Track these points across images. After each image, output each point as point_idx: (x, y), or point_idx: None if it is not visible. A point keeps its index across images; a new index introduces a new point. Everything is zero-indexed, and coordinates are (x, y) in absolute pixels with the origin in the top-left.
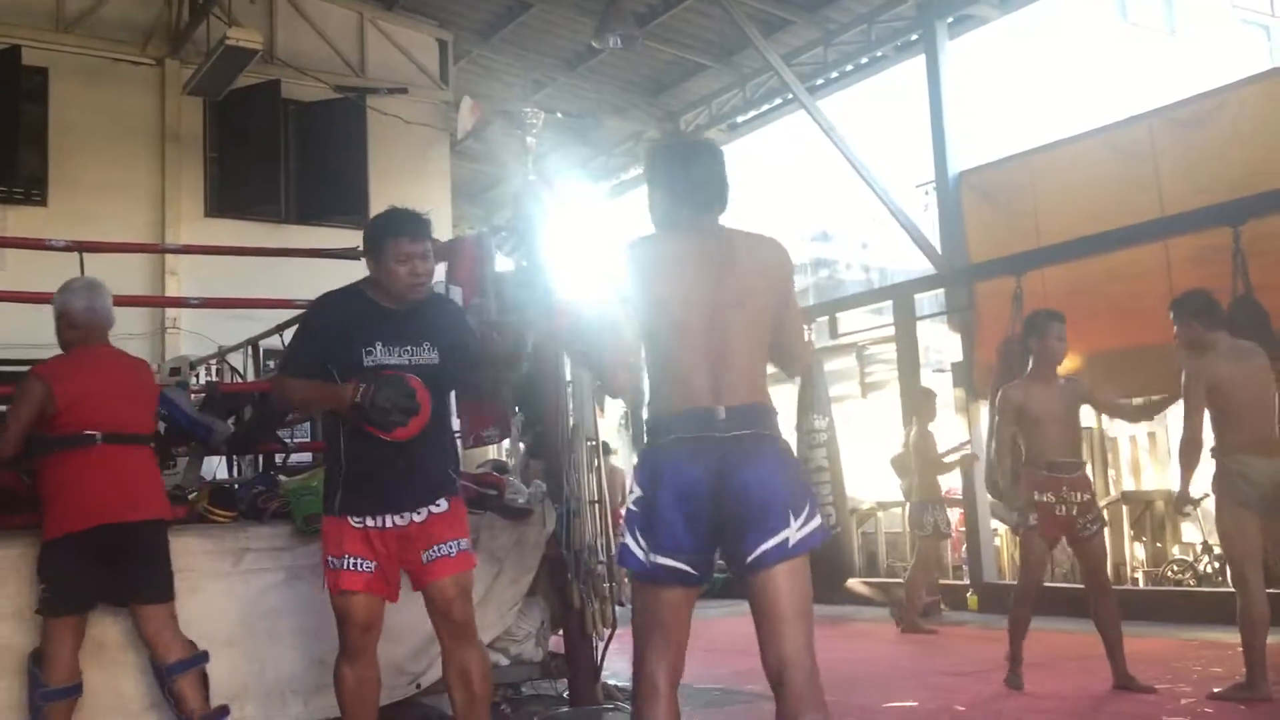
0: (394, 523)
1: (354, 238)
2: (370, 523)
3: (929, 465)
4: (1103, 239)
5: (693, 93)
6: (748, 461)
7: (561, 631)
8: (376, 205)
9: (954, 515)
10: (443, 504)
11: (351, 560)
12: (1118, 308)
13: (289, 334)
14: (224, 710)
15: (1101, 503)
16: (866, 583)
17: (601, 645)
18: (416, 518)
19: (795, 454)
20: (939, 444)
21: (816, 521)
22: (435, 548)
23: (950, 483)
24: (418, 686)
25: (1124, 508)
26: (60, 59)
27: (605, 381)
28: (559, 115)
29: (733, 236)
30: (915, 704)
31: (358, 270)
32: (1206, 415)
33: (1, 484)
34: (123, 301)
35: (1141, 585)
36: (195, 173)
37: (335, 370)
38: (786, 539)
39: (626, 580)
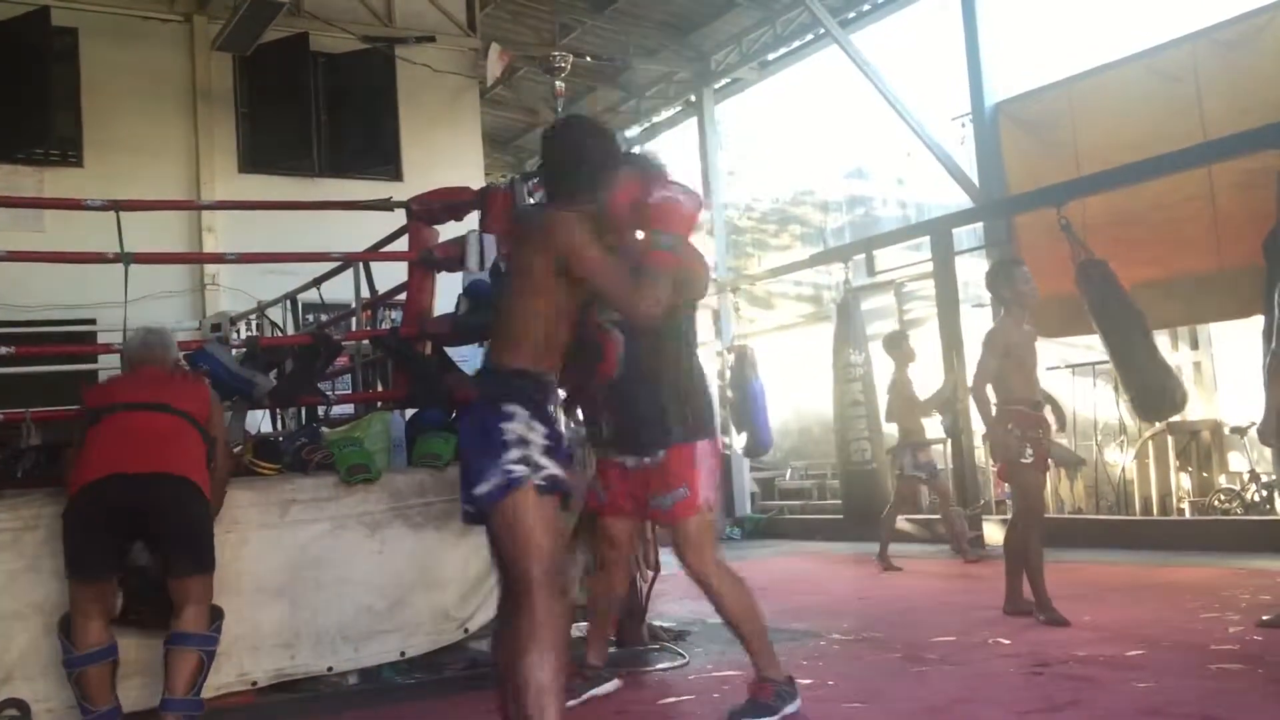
0: (630, 464)
1: (387, 189)
2: (618, 460)
3: (908, 406)
4: (1144, 166)
5: (723, 31)
6: (466, 421)
7: None
8: (408, 156)
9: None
10: (659, 454)
11: (601, 486)
12: (1160, 236)
13: (327, 287)
14: (198, 704)
15: (1147, 434)
16: (906, 519)
17: (646, 587)
18: (639, 464)
19: (506, 416)
20: (920, 386)
21: (493, 481)
22: (655, 499)
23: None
24: (465, 631)
25: (1169, 438)
26: (89, 19)
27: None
28: (588, 59)
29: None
30: (954, 638)
31: (391, 221)
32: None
33: None
34: (161, 259)
35: (1188, 515)
36: (227, 129)
37: None
38: (476, 494)
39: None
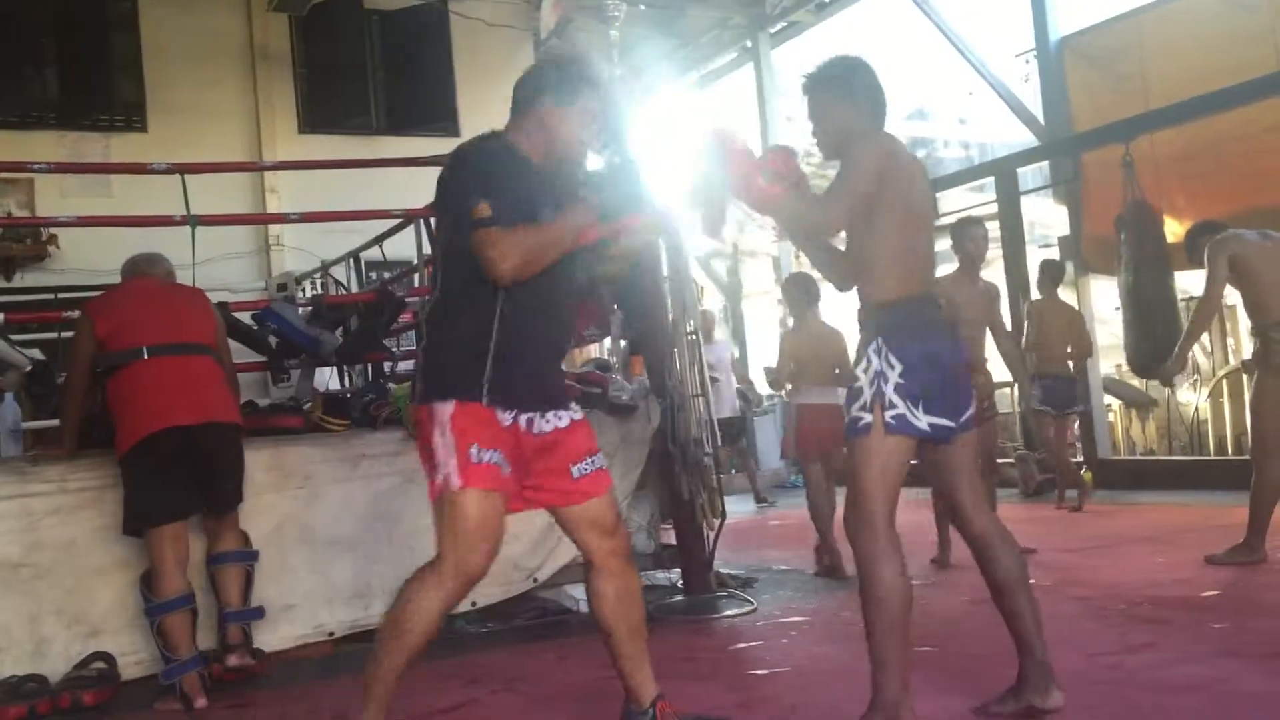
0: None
1: (445, 145)
2: None
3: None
4: (1215, 98)
5: None
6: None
7: (672, 523)
8: (465, 112)
9: None
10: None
11: None
12: (1233, 169)
13: (389, 244)
14: (258, 611)
15: (1221, 372)
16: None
17: (712, 535)
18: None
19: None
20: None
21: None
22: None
23: None
24: (534, 580)
25: (1244, 376)
26: None
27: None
28: (642, 6)
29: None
30: (1032, 581)
31: None
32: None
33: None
34: (225, 220)
35: None
36: (286, 90)
37: None
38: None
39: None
